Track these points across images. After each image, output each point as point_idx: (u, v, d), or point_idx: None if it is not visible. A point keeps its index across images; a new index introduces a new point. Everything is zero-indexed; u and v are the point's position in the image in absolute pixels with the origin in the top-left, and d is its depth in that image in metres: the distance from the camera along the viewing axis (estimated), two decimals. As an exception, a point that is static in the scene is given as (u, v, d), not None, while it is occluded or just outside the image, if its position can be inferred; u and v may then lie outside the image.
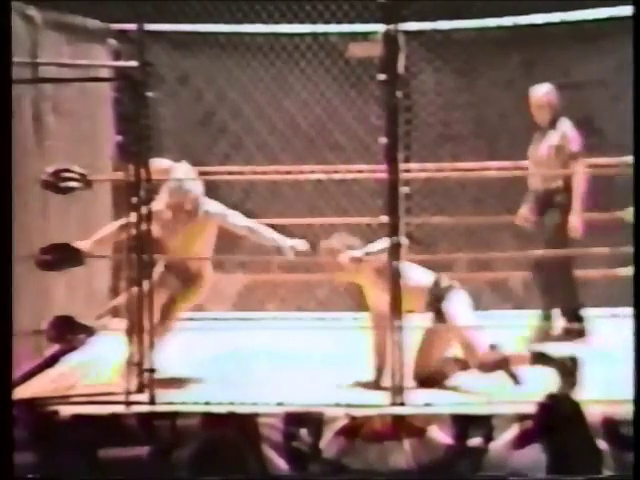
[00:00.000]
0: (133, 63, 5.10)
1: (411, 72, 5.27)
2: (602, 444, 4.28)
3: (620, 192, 6.54)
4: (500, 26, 6.37)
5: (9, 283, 4.01)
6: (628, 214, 6.30)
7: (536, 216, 6.34)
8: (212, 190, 7.07)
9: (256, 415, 4.53)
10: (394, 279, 5.02)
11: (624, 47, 6.95)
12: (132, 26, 5.18)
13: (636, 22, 4.30)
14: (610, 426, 4.38)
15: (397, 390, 4.89)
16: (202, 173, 6.82)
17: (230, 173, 6.75)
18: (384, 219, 5.08)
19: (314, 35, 6.71)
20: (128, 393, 4.87)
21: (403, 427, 4.56)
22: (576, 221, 6.12)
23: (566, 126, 6.23)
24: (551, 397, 3.84)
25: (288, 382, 5.17)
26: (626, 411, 4.35)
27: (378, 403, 4.81)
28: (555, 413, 3.76)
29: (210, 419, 4.38)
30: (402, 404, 4.86)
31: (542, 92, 6.20)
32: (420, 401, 4.83)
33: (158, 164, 5.45)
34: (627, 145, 6.62)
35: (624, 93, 7.05)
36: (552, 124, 6.22)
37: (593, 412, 4.42)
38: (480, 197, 7.04)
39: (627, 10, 6.27)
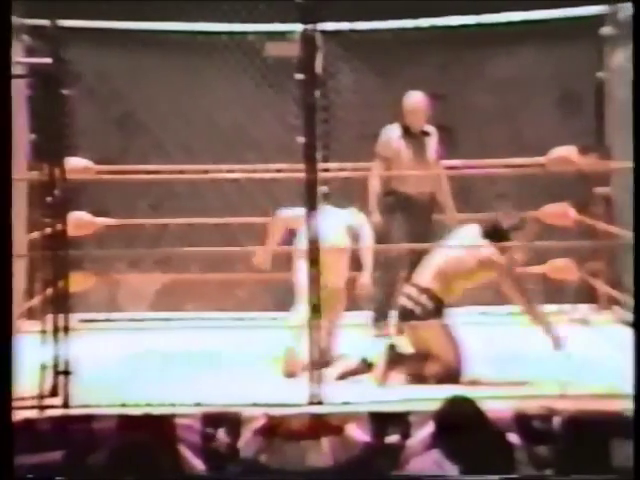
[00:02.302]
0: (47, 60, 5.01)
1: (329, 72, 5.30)
2: (515, 440, 4.36)
3: (537, 191, 6.69)
4: (417, 27, 6.45)
5: (9, 283, 3.93)
6: (542, 213, 6.45)
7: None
8: (130, 189, 7.04)
9: (173, 416, 4.50)
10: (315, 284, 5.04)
11: (534, 49, 7.14)
12: (46, 22, 5.10)
13: (636, 22, 4.35)
14: (523, 422, 4.47)
15: (315, 388, 4.92)
16: (120, 172, 6.78)
17: (148, 172, 6.69)
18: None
19: (231, 34, 6.69)
20: (41, 397, 4.79)
21: (321, 426, 4.58)
22: (454, 217, 6.28)
23: (434, 131, 6.39)
24: (450, 400, 3.91)
25: (206, 382, 5.15)
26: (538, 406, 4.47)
27: (296, 402, 4.82)
28: (455, 415, 3.82)
29: (126, 421, 4.33)
30: (320, 403, 4.89)
31: (418, 98, 6.29)
32: (338, 399, 4.85)
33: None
34: (543, 144, 6.81)
35: (537, 93, 7.22)
36: (424, 130, 6.36)
37: (504, 409, 4.51)
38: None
39: (540, 14, 6.44)
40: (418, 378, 5.33)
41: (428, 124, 6.42)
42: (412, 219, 6.29)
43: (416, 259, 5.74)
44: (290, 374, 5.39)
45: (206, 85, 7.07)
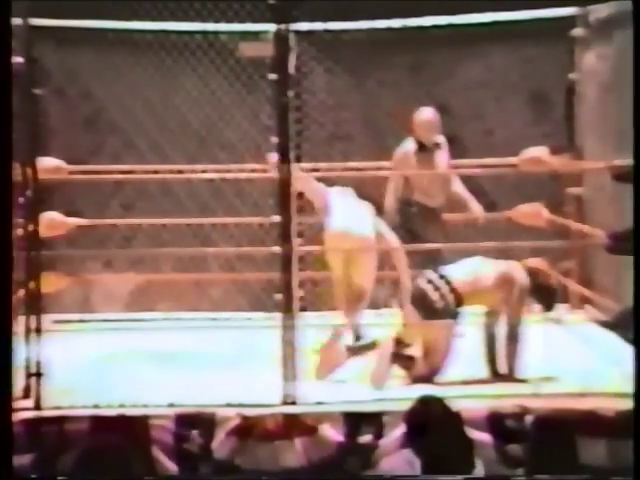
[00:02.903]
0: (19, 59, 4.98)
1: (302, 72, 5.30)
2: (487, 438, 4.39)
3: (508, 191, 6.72)
4: (389, 28, 6.47)
5: (9, 284, 3.89)
6: (515, 214, 6.48)
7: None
8: (103, 189, 7.00)
9: (146, 417, 4.48)
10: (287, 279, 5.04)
11: (506, 50, 7.19)
12: (17, 21, 5.05)
13: (636, 21, 4.37)
14: (496, 420, 4.49)
15: (289, 389, 4.91)
16: (92, 172, 6.74)
17: (121, 172, 6.66)
18: (276, 219, 5.09)
19: (204, 33, 6.68)
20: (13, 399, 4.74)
21: (295, 426, 4.58)
22: (479, 209, 6.49)
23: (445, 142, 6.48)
24: (420, 400, 3.92)
25: (180, 383, 5.13)
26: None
27: (270, 402, 4.82)
28: (425, 415, 3.83)
29: (99, 422, 4.31)
30: (294, 403, 4.88)
31: (430, 114, 6.41)
32: (312, 399, 4.85)
33: None
34: (514, 144, 6.85)
35: (506, 94, 7.25)
36: (435, 142, 6.43)
37: (479, 408, 4.54)
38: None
39: (512, 15, 6.48)
40: (410, 377, 5.27)
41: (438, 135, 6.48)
42: (429, 230, 6.38)
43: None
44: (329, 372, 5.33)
45: (179, 85, 7.05)
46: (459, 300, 5.26)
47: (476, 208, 6.52)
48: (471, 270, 5.36)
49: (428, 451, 3.76)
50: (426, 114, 6.44)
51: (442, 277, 5.32)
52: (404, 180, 6.43)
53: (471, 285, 5.30)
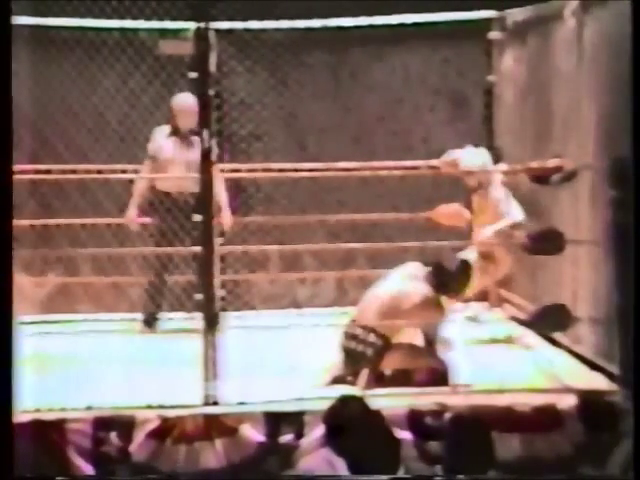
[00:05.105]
0: None
1: (222, 71, 5.27)
2: (407, 436, 4.42)
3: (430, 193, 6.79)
4: (309, 28, 6.49)
5: (9, 286, 3.76)
6: (435, 214, 6.54)
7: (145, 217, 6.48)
8: (19, 190, 6.84)
9: (63, 421, 4.40)
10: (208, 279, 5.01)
11: (424, 52, 7.26)
12: None
13: (635, 21, 4.41)
14: (415, 418, 4.53)
15: (210, 389, 4.88)
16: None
17: (38, 172, 6.53)
18: (197, 217, 5.06)
19: (123, 30, 6.60)
20: None
21: (215, 426, 4.55)
22: (228, 217, 6.36)
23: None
24: (340, 399, 3.93)
25: (99, 385, 5.05)
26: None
27: (191, 403, 4.78)
28: (344, 414, 3.85)
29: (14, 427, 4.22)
30: (215, 403, 4.85)
31: (190, 100, 6.24)
32: (233, 400, 4.83)
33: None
34: (432, 145, 6.92)
35: (426, 95, 7.33)
36: (191, 130, 6.34)
37: (398, 406, 4.57)
38: (292, 196, 7.12)
39: (431, 17, 6.55)
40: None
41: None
42: (170, 218, 6.32)
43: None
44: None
45: (97, 82, 6.95)
46: (382, 335, 5.18)
47: (226, 214, 6.37)
48: (377, 301, 5.26)
49: (349, 450, 3.77)
50: (183, 100, 6.39)
51: (356, 325, 5.25)
52: (155, 167, 6.42)
53: (383, 315, 5.20)
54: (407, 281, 5.30)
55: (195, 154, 6.23)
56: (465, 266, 5.36)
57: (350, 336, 5.24)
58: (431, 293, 5.25)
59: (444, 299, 5.29)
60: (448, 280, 5.26)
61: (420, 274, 5.31)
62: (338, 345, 5.26)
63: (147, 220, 6.52)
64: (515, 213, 6.31)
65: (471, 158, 6.32)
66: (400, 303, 5.22)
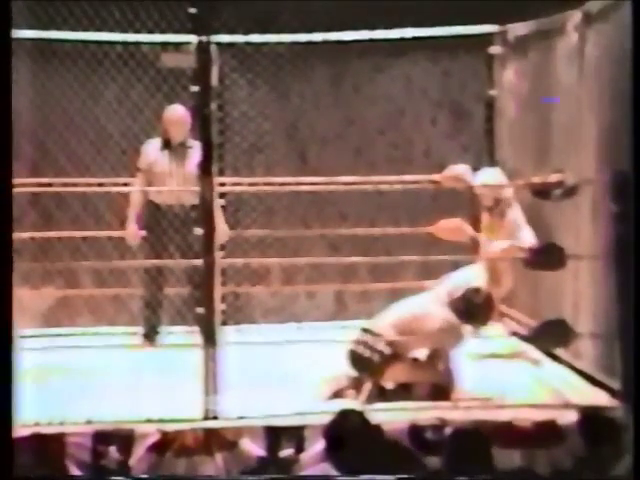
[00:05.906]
0: None
1: (224, 84, 5.28)
2: (408, 449, 4.41)
3: (431, 207, 6.78)
4: (310, 41, 6.50)
5: (9, 299, 3.75)
6: (436, 229, 6.54)
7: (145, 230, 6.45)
8: (20, 202, 6.85)
9: (63, 434, 4.39)
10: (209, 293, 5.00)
11: (426, 66, 7.28)
12: None
13: (635, 21, 4.42)
14: (416, 432, 4.52)
15: (210, 403, 4.87)
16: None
17: (40, 185, 6.54)
18: (199, 231, 5.06)
19: (124, 43, 6.61)
20: None
21: (215, 440, 4.54)
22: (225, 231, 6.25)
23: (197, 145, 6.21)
24: (340, 413, 3.92)
25: (99, 399, 5.04)
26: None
27: (191, 417, 4.77)
28: (344, 428, 3.84)
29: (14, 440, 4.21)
30: (215, 417, 4.84)
31: (181, 111, 6.34)
32: (233, 414, 4.81)
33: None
34: (433, 159, 6.92)
35: (428, 109, 7.34)
36: (183, 142, 6.39)
37: (400, 420, 4.56)
38: (293, 208, 7.12)
39: (432, 31, 6.57)
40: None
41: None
42: (169, 231, 6.33)
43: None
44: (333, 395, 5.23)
45: (99, 95, 6.96)
46: (391, 343, 5.17)
47: (221, 229, 6.19)
48: (396, 315, 5.27)
49: (350, 465, 3.76)
50: (175, 111, 6.39)
51: (366, 331, 5.25)
52: (147, 180, 6.40)
53: (398, 329, 5.21)
54: (432, 304, 5.31)
55: (189, 166, 6.29)
56: (490, 300, 5.36)
57: (359, 342, 5.24)
58: (453, 319, 5.24)
59: (465, 327, 5.28)
60: (475, 311, 5.26)
61: (446, 300, 5.31)
62: (346, 350, 5.25)
63: (146, 234, 6.48)
64: (528, 237, 6.10)
65: (487, 178, 6.27)
66: (420, 324, 5.22)
